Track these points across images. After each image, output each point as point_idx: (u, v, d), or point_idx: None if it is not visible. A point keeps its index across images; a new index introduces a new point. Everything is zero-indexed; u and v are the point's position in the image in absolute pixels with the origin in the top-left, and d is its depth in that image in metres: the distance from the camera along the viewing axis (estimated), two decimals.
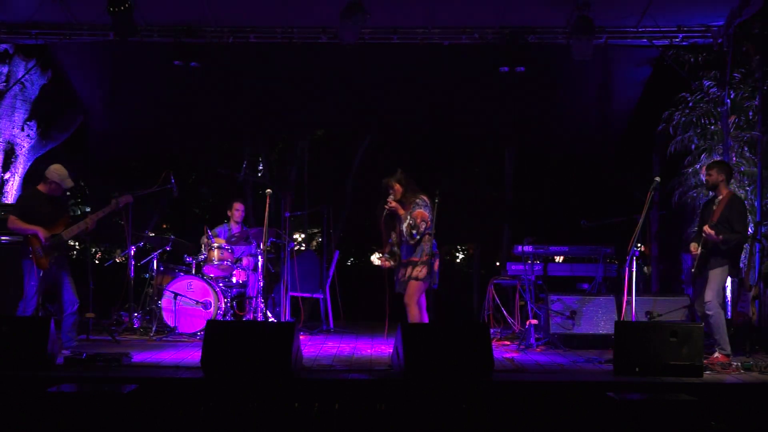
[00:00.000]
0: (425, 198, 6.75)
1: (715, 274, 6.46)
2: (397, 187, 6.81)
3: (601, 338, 7.37)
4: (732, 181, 7.13)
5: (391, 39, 8.51)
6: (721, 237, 6.34)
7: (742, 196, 8.11)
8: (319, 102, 9.34)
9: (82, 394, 4.80)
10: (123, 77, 9.00)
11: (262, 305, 7.97)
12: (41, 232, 6.64)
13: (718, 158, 8.38)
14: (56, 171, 6.85)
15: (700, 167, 8.51)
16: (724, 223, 6.44)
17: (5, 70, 9.53)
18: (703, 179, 7.42)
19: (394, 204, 6.79)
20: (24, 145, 9.95)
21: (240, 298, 8.72)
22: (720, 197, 6.56)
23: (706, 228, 6.42)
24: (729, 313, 7.81)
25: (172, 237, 8.73)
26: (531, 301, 7.70)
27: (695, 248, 6.59)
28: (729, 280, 7.25)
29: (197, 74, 8.62)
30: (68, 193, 7.17)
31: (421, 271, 6.63)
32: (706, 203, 6.90)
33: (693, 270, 6.66)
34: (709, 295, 6.41)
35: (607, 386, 5.28)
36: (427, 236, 6.68)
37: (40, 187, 6.87)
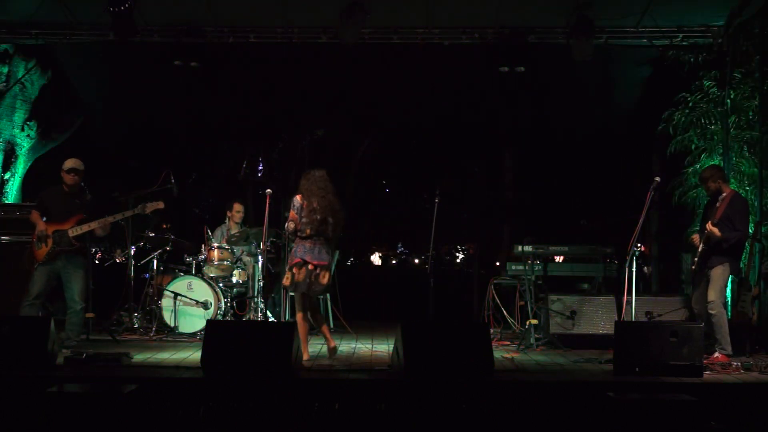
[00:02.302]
0: (299, 199, 6.46)
1: (716, 273, 6.48)
2: (303, 181, 6.57)
3: (601, 338, 7.35)
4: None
5: (391, 39, 8.51)
6: (722, 234, 6.37)
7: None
8: (319, 102, 9.35)
9: (82, 394, 4.79)
10: (123, 77, 9.00)
11: (262, 305, 7.97)
12: (38, 227, 6.76)
13: (718, 159, 8.39)
14: (65, 164, 6.91)
15: (700, 167, 8.49)
16: (726, 221, 6.47)
17: (5, 70, 9.52)
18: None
19: (297, 197, 6.57)
20: (24, 145, 9.94)
21: (240, 298, 8.72)
22: (723, 195, 6.58)
23: (708, 225, 6.45)
24: (729, 313, 7.80)
25: (172, 237, 8.72)
26: (531, 301, 7.70)
27: (697, 240, 6.62)
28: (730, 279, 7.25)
29: (197, 74, 8.63)
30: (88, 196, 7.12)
31: (286, 279, 6.49)
32: (709, 201, 6.92)
33: (694, 267, 6.68)
34: (712, 294, 6.42)
35: (607, 386, 5.28)
36: (297, 240, 6.50)
37: (64, 184, 6.96)
